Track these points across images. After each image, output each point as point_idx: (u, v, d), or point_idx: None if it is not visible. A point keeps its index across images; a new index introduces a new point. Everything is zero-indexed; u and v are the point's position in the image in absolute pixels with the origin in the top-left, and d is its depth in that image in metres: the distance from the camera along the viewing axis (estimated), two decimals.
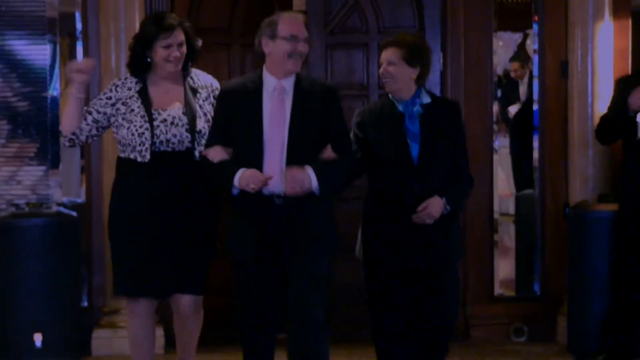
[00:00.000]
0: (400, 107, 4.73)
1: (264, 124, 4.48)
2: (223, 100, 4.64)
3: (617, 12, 6.42)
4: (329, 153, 4.46)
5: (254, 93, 4.54)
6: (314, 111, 4.51)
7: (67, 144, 4.92)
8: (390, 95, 4.80)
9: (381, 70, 4.78)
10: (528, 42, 7.05)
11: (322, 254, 4.54)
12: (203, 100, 4.84)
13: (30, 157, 6.65)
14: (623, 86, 5.76)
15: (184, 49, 4.80)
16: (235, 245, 4.55)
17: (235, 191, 4.49)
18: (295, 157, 4.44)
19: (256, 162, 4.45)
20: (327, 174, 4.45)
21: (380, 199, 4.76)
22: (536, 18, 6.70)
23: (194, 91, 4.85)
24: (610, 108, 5.86)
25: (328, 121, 4.52)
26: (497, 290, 6.78)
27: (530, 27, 6.81)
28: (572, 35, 6.48)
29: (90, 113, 4.85)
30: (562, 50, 6.53)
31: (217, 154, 4.53)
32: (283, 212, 4.46)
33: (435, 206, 4.62)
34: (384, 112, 4.76)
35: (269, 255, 4.51)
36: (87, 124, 4.83)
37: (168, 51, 4.74)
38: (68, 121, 4.87)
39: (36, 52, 6.61)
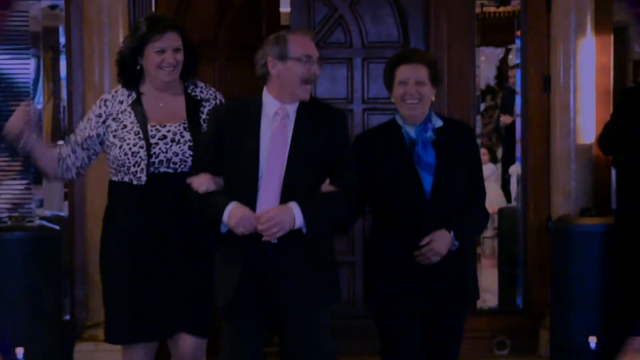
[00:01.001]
0: (411, 133, 4.22)
1: (260, 153, 4.00)
2: (215, 122, 4.12)
3: (599, 28, 6.49)
4: (327, 186, 4.01)
5: (252, 116, 4.05)
6: (318, 140, 4.03)
7: (60, 182, 4.52)
8: (398, 118, 4.28)
9: (407, 91, 4.20)
10: (510, 56, 7.15)
11: (321, 304, 4.07)
12: (207, 115, 4.27)
13: (13, 170, 6.66)
14: (632, 97, 5.82)
15: (181, 55, 4.22)
16: (219, 290, 4.07)
17: (223, 229, 3.98)
18: (293, 191, 3.96)
19: (249, 196, 3.97)
20: (319, 209, 3.97)
21: (389, 239, 4.22)
22: (519, 33, 6.78)
23: (197, 103, 4.30)
24: (617, 119, 5.90)
25: (330, 150, 4.03)
26: (480, 303, 6.71)
27: (513, 42, 6.92)
28: (554, 50, 6.53)
29: (78, 144, 4.33)
30: (544, 65, 6.59)
31: (203, 182, 4.01)
32: (276, 254, 3.97)
33: (440, 241, 4.10)
34: (390, 138, 4.26)
35: (256, 302, 4.03)
36: (77, 158, 4.35)
37: (161, 57, 4.17)
38: (45, 168, 4.41)
39: (20, 66, 6.64)
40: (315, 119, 4.04)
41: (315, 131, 4.02)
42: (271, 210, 3.89)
